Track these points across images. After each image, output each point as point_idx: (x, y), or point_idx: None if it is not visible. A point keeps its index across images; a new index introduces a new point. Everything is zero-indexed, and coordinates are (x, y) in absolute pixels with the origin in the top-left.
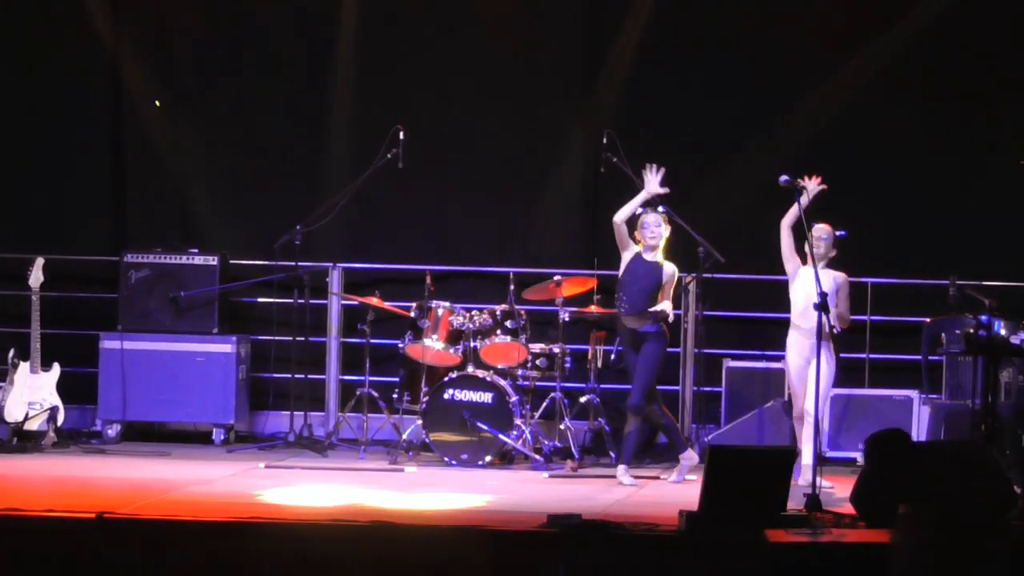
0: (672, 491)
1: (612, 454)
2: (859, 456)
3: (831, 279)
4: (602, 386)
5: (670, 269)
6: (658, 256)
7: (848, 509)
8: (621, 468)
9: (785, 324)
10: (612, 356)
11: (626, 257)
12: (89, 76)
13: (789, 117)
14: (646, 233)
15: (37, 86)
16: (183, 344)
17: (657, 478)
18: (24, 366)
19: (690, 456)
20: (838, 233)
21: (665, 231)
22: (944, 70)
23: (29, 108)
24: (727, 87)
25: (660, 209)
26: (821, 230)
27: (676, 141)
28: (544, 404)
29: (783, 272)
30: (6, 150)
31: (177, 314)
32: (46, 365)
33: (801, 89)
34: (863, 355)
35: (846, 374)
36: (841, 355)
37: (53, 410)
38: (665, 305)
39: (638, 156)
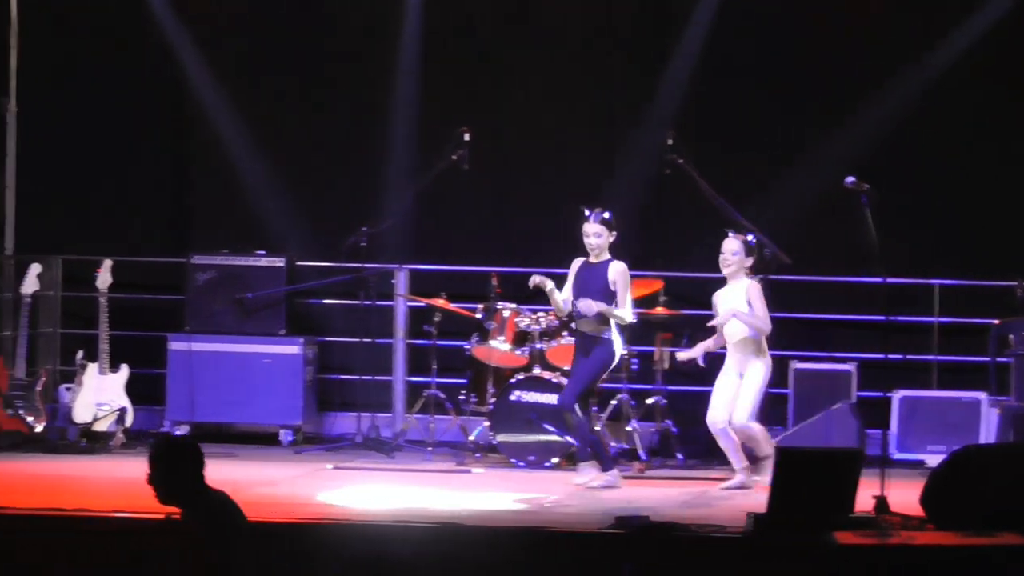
0: (740, 493)
1: (679, 455)
2: (927, 458)
3: (742, 291)
4: (669, 388)
5: (618, 266)
6: (603, 256)
7: (917, 511)
8: (583, 465)
9: (851, 325)
10: (679, 357)
11: (575, 267)
12: (154, 79)
13: (854, 118)
14: (586, 241)
15: (103, 91)
16: (250, 345)
17: (723, 479)
18: (93, 367)
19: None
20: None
21: (608, 238)
22: (1011, 72)
23: (96, 112)
24: (791, 89)
25: (606, 215)
26: (728, 244)
27: (741, 143)
28: (611, 406)
29: (849, 273)
30: (75, 154)
31: (244, 316)
32: (114, 366)
33: (865, 91)
34: (931, 357)
35: (913, 375)
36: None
37: (122, 411)
38: (611, 308)
39: (702, 158)
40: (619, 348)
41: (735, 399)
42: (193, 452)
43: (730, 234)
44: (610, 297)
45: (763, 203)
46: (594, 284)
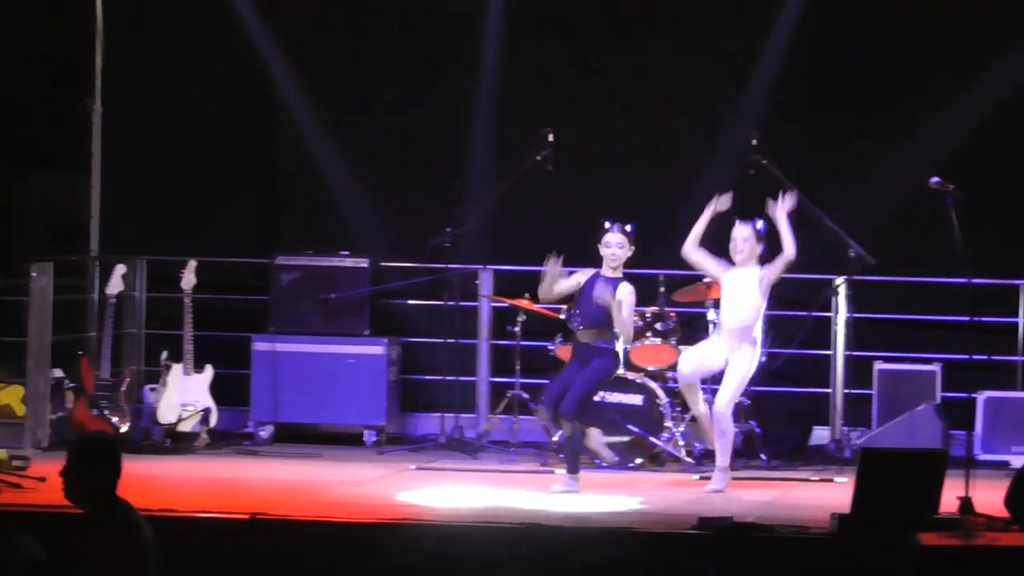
0: (824, 494)
1: (763, 456)
2: (1011, 459)
3: (754, 278)
4: (753, 388)
5: (628, 287)
6: (618, 274)
7: (1002, 512)
8: (566, 476)
9: (935, 326)
10: (763, 358)
11: (587, 276)
12: (239, 80)
13: (939, 116)
14: (606, 252)
15: (188, 90)
16: (334, 346)
17: (807, 480)
18: (177, 368)
19: (574, 482)
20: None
21: (628, 251)
22: None
23: (180, 112)
24: (875, 88)
25: (628, 228)
26: (740, 231)
27: (825, 142)
28: None
29: (934, 274)
30: (159, 154)
31: (328, 316)
32: (199, 367)
33: (951, 90)
34: (1016, 358)
35: (998, 375)
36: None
37: (206, 412)
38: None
39: (786, 158)
40: (620, 359)
41: (707, 371)
42: (113, 457)
43: (738, 222)
44: (611, 313)
45: (847, 203)
46: (603, 297)
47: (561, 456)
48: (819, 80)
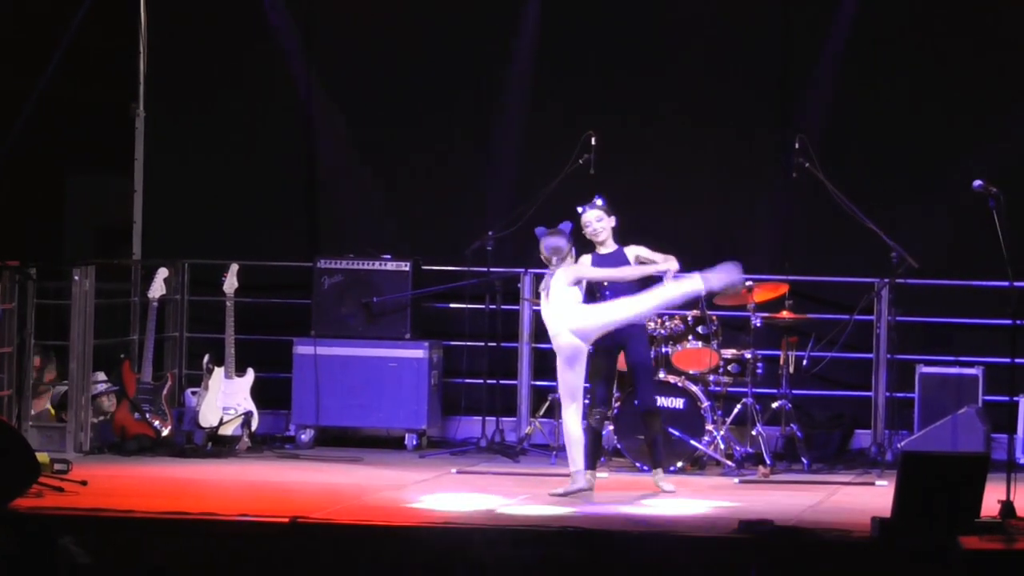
0: (865, 498)
1: (804, 460)
2: None
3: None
4: (794, 391)
5: (633, 249)
6: (612, 246)
7: None
8: (660, 472)
9: (978, 329)
10: (804, 361)
11: (586, 262)
12: (280, 84)
13: (981, 120)
14: (588, 231)
15: (230, 95)
16: (376, 350)
17: (849, 484)
18: (219, 371)
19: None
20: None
21: (609, 222)
22: None
23: (224, 117)
24: (923, 92)
25: (599, 201)
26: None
27: (869, 146)
28: (736, 410)
29: (977, 277)
30: (201, 158)
31: (370, 320)
32: (240, 370)
33: (1005, 96)
34: None
35: None
36: None
37: (247, 415)
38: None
39: (830, 162)
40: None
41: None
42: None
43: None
44: (636, 284)
45: (890, 206)
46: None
47: (602, 460)
48: (866, 83)
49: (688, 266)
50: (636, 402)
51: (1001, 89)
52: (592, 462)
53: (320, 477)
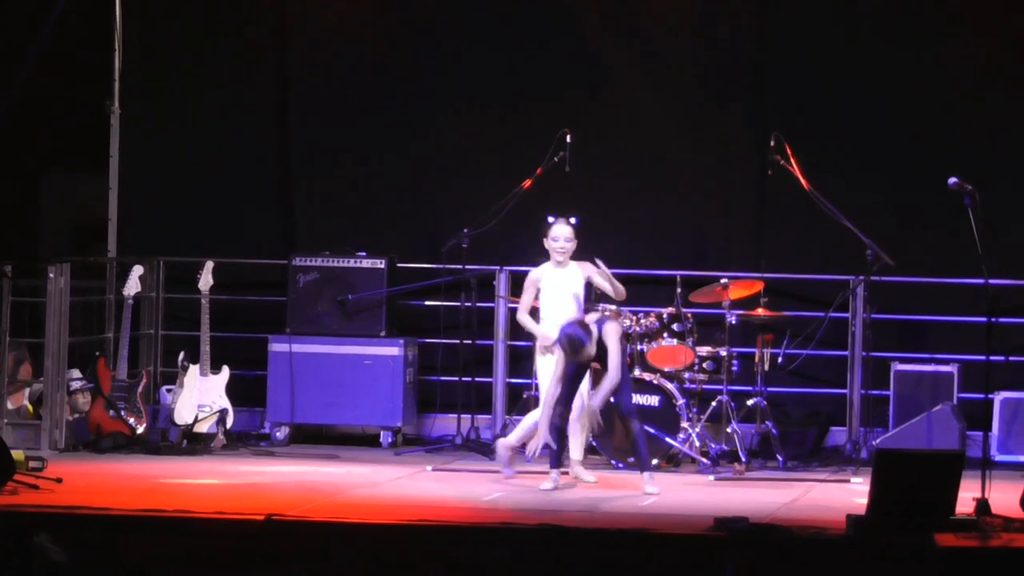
0: (840, 495)
1: (780, 457)
2: None
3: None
4: (770, 389)
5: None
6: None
7: (1019, 513)
8: (647, 475)
9: (953, 327)
10: (780, 359)
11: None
12: (257, 79)
13: (953, 118)
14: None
15: (205, 89)
16: (351, 347)
17: (824, 481)
18: (194, 369)
19: (553, 480)
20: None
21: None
22: None
23: (200, 115)
24: (899, 88)
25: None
26: (561, 231)
27: (844, 143)
28: (711, 407)
29: (951, 274)
30: (178, 156)
31: (345, 317)
32: (215, 368)
33: (980, 92)
34: None
35: (1016, 377)
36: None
37: (222, 413)
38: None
39: (805, 159)
40: None
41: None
42: None
43: (558, 221)
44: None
45: (864, 203)
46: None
47: (631, 458)
48: (837, 78)
49: (663, 264)
50: (613, 400)
51: (976, 85)
52: (559, 461)
53: (295, 474)
